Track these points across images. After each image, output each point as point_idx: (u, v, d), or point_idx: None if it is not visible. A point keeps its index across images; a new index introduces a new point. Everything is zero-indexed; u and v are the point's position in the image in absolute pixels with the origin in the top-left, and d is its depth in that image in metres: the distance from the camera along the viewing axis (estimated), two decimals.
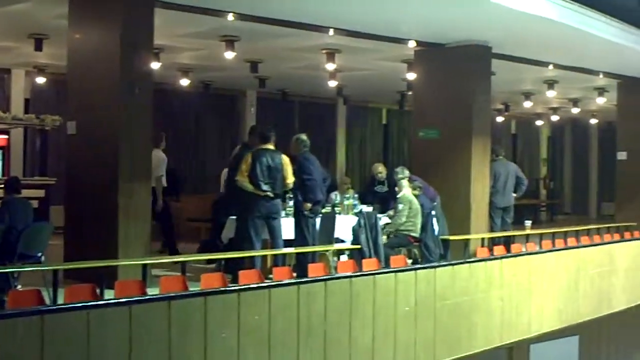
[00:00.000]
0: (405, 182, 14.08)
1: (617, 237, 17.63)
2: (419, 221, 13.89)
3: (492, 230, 16.48)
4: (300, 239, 12.66)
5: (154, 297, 7.88)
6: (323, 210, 13.57)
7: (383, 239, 13.38)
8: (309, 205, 12.66)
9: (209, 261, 13.23)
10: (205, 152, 23.36)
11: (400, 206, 13.86)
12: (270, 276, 10.83)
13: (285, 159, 12.42)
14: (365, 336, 9.83)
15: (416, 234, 13.86)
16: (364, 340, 9.80)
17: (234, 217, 12.68)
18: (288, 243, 12.70)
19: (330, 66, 17.36)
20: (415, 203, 13.94)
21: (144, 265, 10.33)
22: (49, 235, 11.34)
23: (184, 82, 19.90)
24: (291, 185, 12.47)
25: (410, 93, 19.77)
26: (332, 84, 19.98)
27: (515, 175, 17.07)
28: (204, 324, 7.84)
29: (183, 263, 10.84)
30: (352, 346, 9.59)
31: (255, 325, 8.37)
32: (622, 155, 20.66)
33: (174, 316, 7.56)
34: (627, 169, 20.55)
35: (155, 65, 14.54)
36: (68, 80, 12.61)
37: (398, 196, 13.98)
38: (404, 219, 13.80)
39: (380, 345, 10.04)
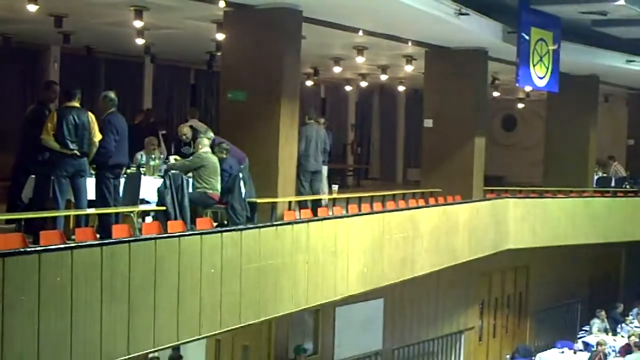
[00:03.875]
0: (206, 141, 13.94)
1: (422, 202, 17.97)
2: (217, 180, 13.74)
3: (300, 193, 16.52)
4: (100, 199, 12.41)
5: None
6: (128, 171, 13.35)
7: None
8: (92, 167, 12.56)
9: (8, 221, 12.78)
10: (5, 108, 22.47)
11: (191, 158, 13.82)
12: (73, 237, 10.55)
13: (92, 117, 12.15)
14: (170, 299, 9.74)
15: (214, 191, 13.70)
16: (169, 303, 9.72)
17: (34, 176, 12.31)
18: (90, 204, 12.40)
19: (138, 23, 16.94)
20: (213, 161, 13.75)
21: None
22: None
23: None
24: (97, 144, 12.15)
25: (219, 54, 19.58)
26: (140, 42, 19.57)
27: (324, 140, 17.20)
28: (2, 286, 7.59)
29: None
30: (156, 309, 9.50)
31: (57, 288, 8.15)
32: (428, 123, 21.01)
33: None
34: (433, 136, 20.91)
35: None
36: None
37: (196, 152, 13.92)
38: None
39: (186, 308, 9.99)
